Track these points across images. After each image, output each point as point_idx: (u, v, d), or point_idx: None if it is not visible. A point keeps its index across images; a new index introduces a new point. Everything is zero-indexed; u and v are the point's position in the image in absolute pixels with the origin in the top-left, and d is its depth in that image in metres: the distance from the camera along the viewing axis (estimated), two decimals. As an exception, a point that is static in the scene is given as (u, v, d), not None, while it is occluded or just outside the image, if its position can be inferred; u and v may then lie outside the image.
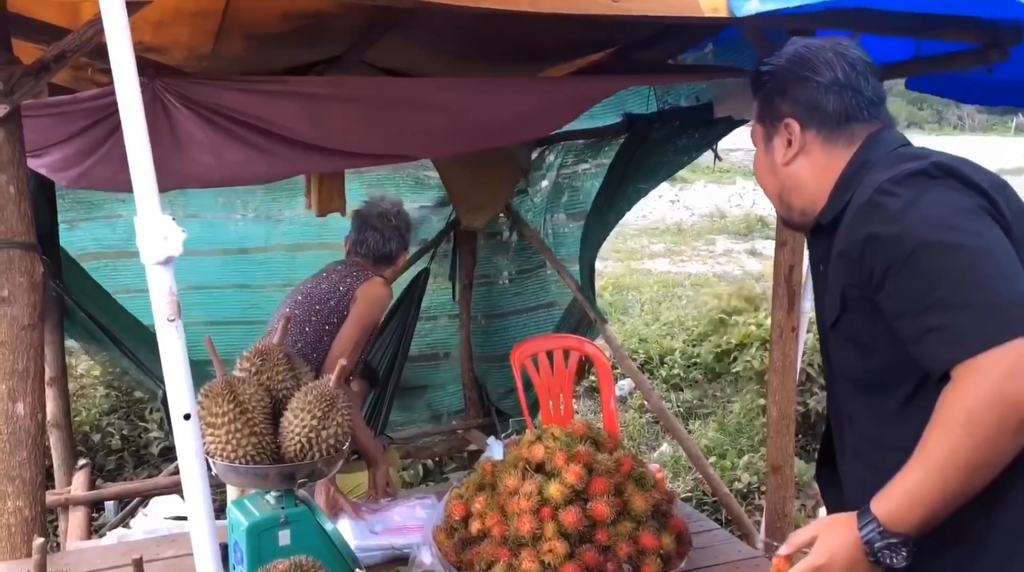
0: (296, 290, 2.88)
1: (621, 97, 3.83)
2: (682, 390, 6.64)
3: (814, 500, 4.61)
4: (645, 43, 3.14)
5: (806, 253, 2.97)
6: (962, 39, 2.48)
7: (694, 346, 7.02)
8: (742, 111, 2.99)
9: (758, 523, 3.93)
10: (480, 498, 1.96)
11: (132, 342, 3.87)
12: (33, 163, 2.58)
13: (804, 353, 3.82)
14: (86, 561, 2.18)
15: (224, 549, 1.84)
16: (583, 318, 4.52)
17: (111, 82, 1.30)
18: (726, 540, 2.33)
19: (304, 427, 1.75)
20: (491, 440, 2.94)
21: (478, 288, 4.88)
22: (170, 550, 2.20)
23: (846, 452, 1.50)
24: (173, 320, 1.29)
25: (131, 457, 5.01)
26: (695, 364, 6.84)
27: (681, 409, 6.34)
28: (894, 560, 1.22)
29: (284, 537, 1.81)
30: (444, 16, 1.98)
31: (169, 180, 2.50)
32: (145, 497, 4.08)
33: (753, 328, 6.55)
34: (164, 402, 4.02)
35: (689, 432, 5.64)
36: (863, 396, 1.42)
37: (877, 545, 1.22)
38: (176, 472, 4.04)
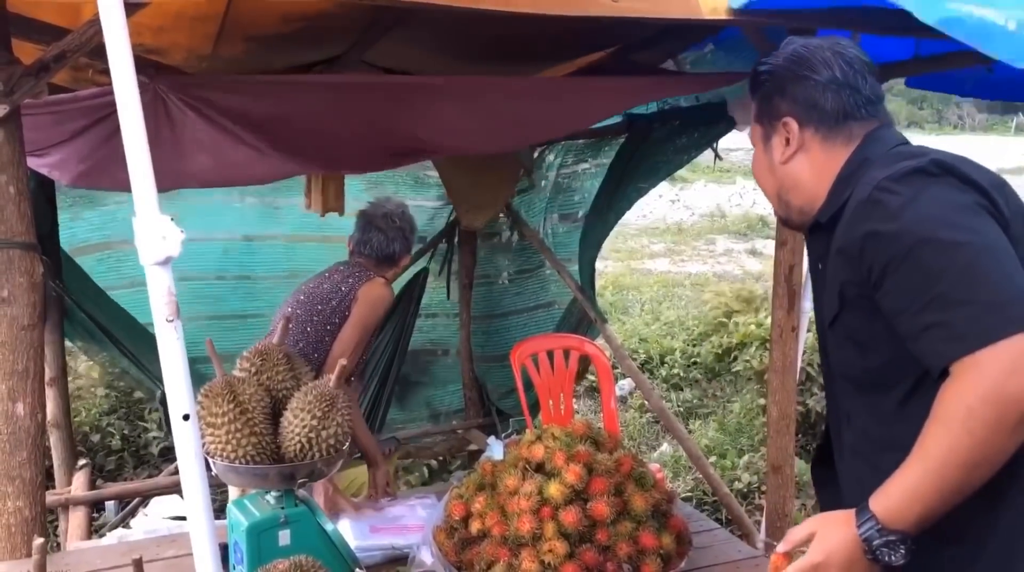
0: (298, 290, 2.88)
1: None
2: (682, 390, 6.64)
3: (814, 500, 4.61)
4: (645, 43, 3.14)
5: (806, 252, 2.98)
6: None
7: (694, 346, 7.02)
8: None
9: (758, 523, 3.93)
10: (480, 498, 1.96)
11: (131, 342, 3.87)
12: (33, 163, 2.58)
13: (804, 353, 3.82)
14: (86, 561, 2.17)
15: (224, 549, 1.84)
16: (583, 318, 4.52)
17: (111, 82, 1.30)
18: (726, 540, 2.33)
19: (304, 427, 1.75)
20: (491, 440, 2.94)
21: (478, 288, 4.88)
22: (170, 550, 2.20)
23: (844, 451, 1.50)
24: (172, 320, 1.29)
25: (131, 457, 5.01)
26: (695, 364, 6.84)
27: (681, 409, 6.34)
28: (892, 558, 1.22)
29: (284, 537, 1.81)
30: (443, 16, 1.98)
31: (168, 180, 2.51)
32: (145, 497, 4.08)
33: (753, 327, 6.55)
34: (163, 402, 4.02)
35: (689, 432, 5.64)
36: (861, 395, 1.42)
37: (876, 543, 1.22)
38: (176, 472, 4.04)
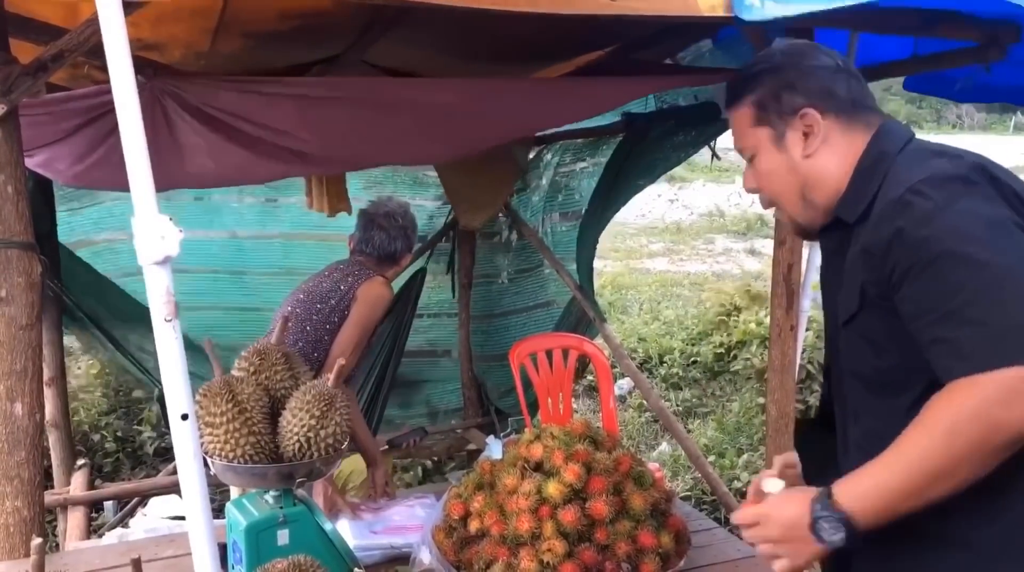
0: (298, 289, 2.88)
1: (619, 96, 3.83)
2: (681, 389, 6.64)
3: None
4: (644, 42, 3.14)
5: (805, 252, 2.98)
6: (961, 38, 2.48)
7: (693, 345, 7.02)
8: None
9: (757, 522, 3.93)
10: (479, 497, 1.96)
11: (130, 337, 3.88)
12: (30, 162, 2.57)
13: (804, 351, 3.82)
14: (85, 561, 2.17)
15: (223, 549, 1.84)
16: (582, 317, 4.52)
17: (109, 80, 1.29)
18: (725, 539, 2.33)
19: (303, 426, 1.75)
20: (490, 439, 2.94)
21: (477, 288, 4.88)
22: (169, 550, 2.20)
23: (849, 446, 1.50)
24: (170, 320, 1.29)
25: (130, 457, 5.01)
26: (694, 363, 6.84)
27: (680, 408, 6.34)
28: (829, 536, 1.22)
29: (283, 537, 1.80)
30: (442, 15, 1.97)
31: (166, 180, 2.50)
32: (144, 497, 4.08)
33: (753, 326, 6.55)
34: (162, 401, 4.02)
35: (688, 431, 5.64)
36: (871, 394, 1.41)
37: (818, 513, 1.23)
38: (175, 472, 4.04)
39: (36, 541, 1.56)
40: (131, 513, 4.18)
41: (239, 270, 4.45)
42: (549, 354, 3.61)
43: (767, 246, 10.98)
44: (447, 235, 4.76)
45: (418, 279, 4.54)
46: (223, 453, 1.74)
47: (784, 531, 1.28)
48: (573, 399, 4.42)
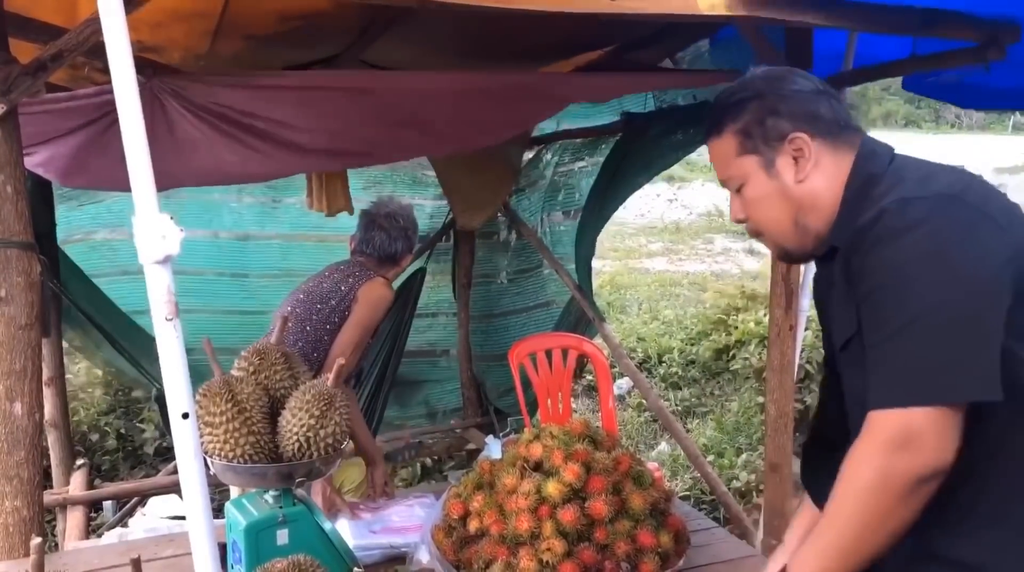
0: (297, 289, 2.88)
1: (619, 95, 3.83)
2: (680, 389, 6.64)
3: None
4: (642, 42, 3.14)
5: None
6: (960, 37, 2.48)
7: (692, 345, 7.03)
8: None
9: (756, 521, 3.94)
10: (478, 497, 1.96)
11: (128, 339, 3.88)
12: (29, 162, 2.57)
13: (803, 351, 3.82)
14: (84, 560, 2.17)
15: (222, 548, 1.84)
16: (581, 317, 4.52)
17: (109, 81, 1.29)
18: (724, 538, 2.33)
19: (302, 426, 1.75)
20: (489, 439, 2.94)
21: (477, 287, 4.88)
22: (168, 549, 2.20)
23: None
24: (171, 319, 1.29)
25: (129, 457, 5.01)
26: (693, 362, 6.84)
27: (679, 408, 6.34)
28: None
29: (282, 536, 1.80)
30: (440, 15, 1.98)
31: (166, 179, 2.50)
32: (143, 496, 4.08)
33: (752, 325, 6.56)
34: (161, 401, 4.02)
35: (687, 431, 5.65)
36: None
37: None
38: (174, 471, 4.04)
39: (35, 541, 1.56)
40: (130, 513, 4.19)
41: (239, 272, 4.45)
42: (548, 354, 3.61)
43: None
44: (446, 235, 4.76)
45: (418, 279, 4.54)
46: (223, 453, 1.74)
47: None
48: (572, 399, 4.42)
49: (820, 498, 1.65)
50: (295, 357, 1.96)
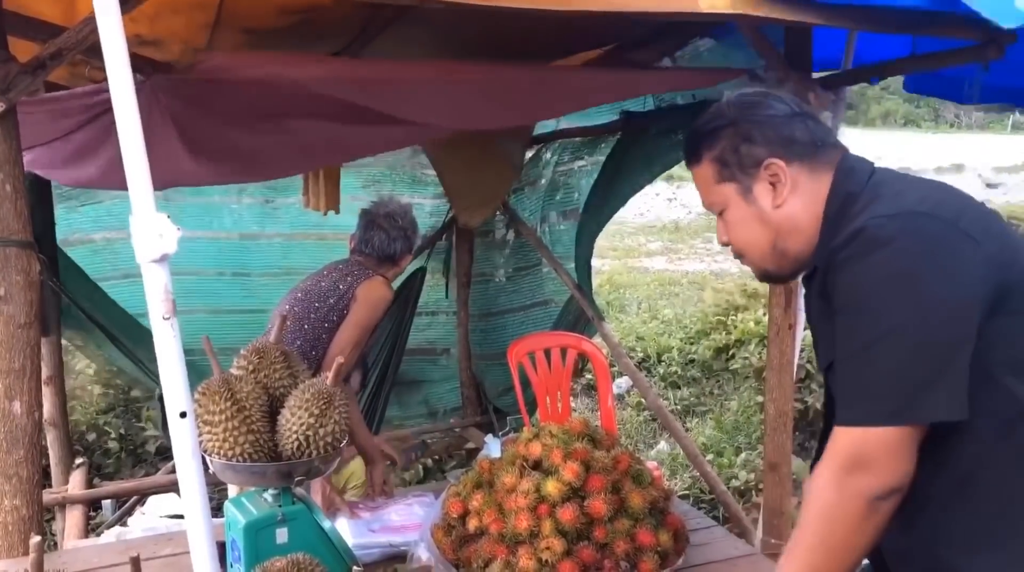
0: (296, 288, 2.88)
1: (618, 94, 3.83)
2: (680, 388, 6.64)
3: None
4: (641, 40, 3.14)
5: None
6: (960, 37, 2.48)
7: (692, 344, 7.03)
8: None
9: (755, 520, 3.94)
10: (478, 496, 1.96)
11: (128, 338, 3.87)
12: (28, 161, 2.57)
13: (802, 350, 3.82)
14: (83, 559, 2.17)
15: (221, 547, 1.84)
16: (580, 316, 4.52)
17: (107, 79, 1.29)
18: (723, 537, 2.33)
19: (301, 425, 1.75)
20: (489, 438, 2.94)
21: (475, 286, 4.88)
22: (167, 548, 2.20)
23: None
24: (168, 318, 1.29)
25: (128, 456, 5.01)
26: (692, 362, 6.84)
27: (679, 407, 6.35)
28: None
29: (281, 535, 1.80)
30: (440, 12, 1.97)
31: (163, 179, 2.50)
32: (142, 495, 4.09)
33: (752, 324, 6.56)
34: (161, 400, 4.02)
35: (687, 430, 5.65)
36: None
37: None
38: (173, 470, 4.03)
39: (34, 539, 1.56)
40: (129, 512, 4.19)
41: (240, 272, 4.45)
42: (547, 353, 3.61)
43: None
44: (445, 234, 4.76)
45: (418, 278, 4.54)
46: (222, 451, 1.74)
47: None
48: (571, 398, 4.42)
49: None
50: (294, 356, 1.96)
